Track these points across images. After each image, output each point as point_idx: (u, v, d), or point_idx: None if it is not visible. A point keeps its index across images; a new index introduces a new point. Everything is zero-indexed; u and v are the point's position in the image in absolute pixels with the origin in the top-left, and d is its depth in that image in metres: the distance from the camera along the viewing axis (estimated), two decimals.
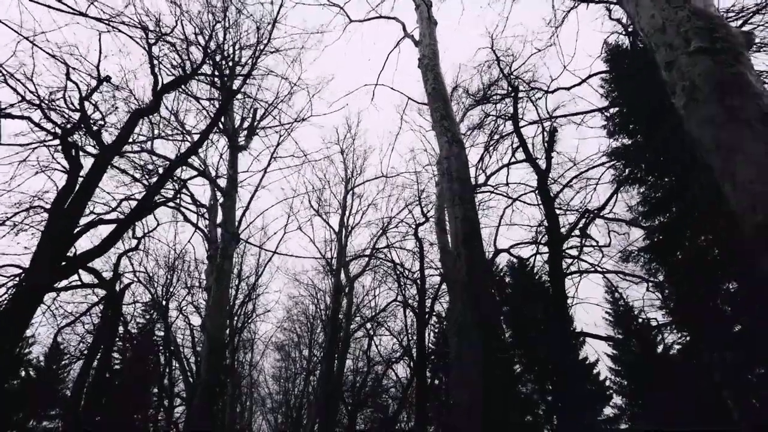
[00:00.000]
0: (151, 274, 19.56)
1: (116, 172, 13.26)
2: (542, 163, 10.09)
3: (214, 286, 11.10)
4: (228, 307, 17.77)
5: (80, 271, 9.87)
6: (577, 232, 10.52)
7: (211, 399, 11.41)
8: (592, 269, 10.52)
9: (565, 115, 9.21)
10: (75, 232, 6.04)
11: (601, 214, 10.70)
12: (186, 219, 15.31)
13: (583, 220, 10.50)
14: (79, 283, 9.11)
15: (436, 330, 22.36)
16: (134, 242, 13.18)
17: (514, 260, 24.73)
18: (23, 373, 20.31)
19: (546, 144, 10.40)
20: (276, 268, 35.33)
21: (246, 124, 15.37)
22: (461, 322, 5.49)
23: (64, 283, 8.75)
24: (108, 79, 9.91)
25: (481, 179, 14.40)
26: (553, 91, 7.12)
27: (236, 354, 23.21)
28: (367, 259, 21.53)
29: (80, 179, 6.97)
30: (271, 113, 13.09)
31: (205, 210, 15.96)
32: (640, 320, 22.19)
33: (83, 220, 8.42)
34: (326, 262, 22.29)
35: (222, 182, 13.85)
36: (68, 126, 8.39)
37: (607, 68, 14.13)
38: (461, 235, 5.63)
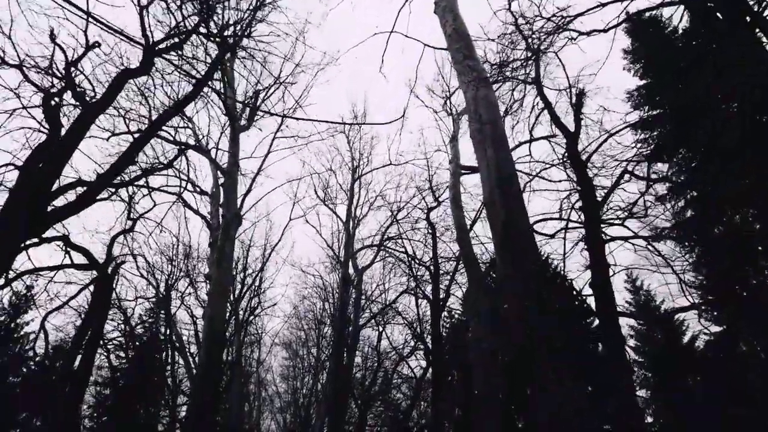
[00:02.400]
0: (151, 263, 18.96)
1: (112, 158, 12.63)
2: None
3: (216, 269, 10.38)
4: (230, 291, 17.06)
5: (70, 251, 9.19)
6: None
7: (213, 391, 10.65)
8: (633, 236, 9.63)
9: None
10: (52, 190, 5.33)
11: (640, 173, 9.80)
12: (186, 205, 14.67)
13: (626, 180, 9.63)
14: (69, 263, 8.40)
15: (447, 325, 21.51)
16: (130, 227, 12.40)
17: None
18: (24, 371, 19.72)
19: (574, 106, 9.58)
20: (283, 261, 34.41)
21: (250, 107, 14.68)
22: (495, 283, 4.70)
23: (50, 260, 7.99)
24: (98, 44, 9.24)
25: None
26: (588, 33, 6.27)
27: (242, 349, 22.52)
28: (375, 249, 20.78)
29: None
30: (279, 83, 12.30)
31: (208, 196, 15.31)
32: (664, 309, 21.27)
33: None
34: (333, 253, 21.57)
35: (223, 164, 13.16)
36: (52, 90, 7.71)
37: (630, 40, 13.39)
38: (495, 179, 4.84)
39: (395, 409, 23.15)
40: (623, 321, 19.10)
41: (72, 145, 5.88)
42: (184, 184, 15.06)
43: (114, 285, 9.80)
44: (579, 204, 9.19)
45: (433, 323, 14.31)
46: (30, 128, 7.45)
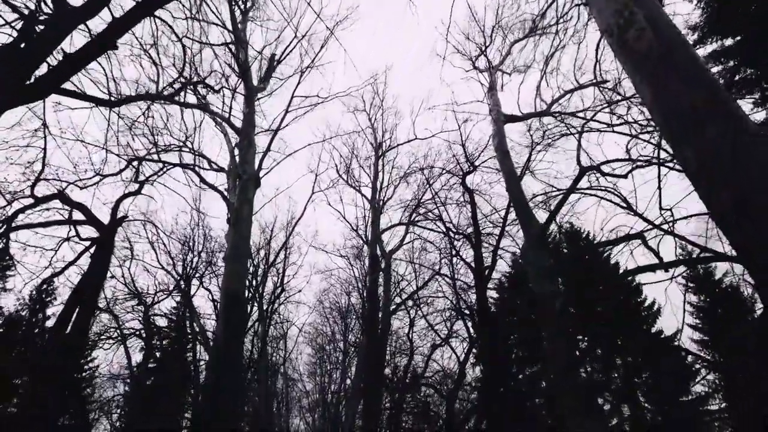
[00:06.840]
0: (167, 243, 18.15)
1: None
2: None
3: (232, 233, 9.23)
4: (250, 257, 15.93)
5: (74, 211, 8.17)
6: None
7: (231, 377, 9.28)
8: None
9: None
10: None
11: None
12: (202, 180, 13.65)
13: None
14: (64, 218, 7.36)
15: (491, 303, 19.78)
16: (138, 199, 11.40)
17: (568, 226, 22.08)
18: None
19: None
20: (308, 246, 33.11)
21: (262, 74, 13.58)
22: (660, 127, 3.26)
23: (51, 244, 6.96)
24: None
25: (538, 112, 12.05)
26: None
27: (266, 342, 21.46)
28: (404, 231, 19.45)
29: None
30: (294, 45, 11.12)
31: (224, 172, 14.31)
32: (727, 281, 19.34)
33: None
34: (359, 235, 20.32)
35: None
36: (40, 17, 6.67)
37: None
38: None
39: (425, 406, 21.74)
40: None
41: (43, 50, 4.77)
42: (198, 161, 14.19)
43: (113, 242, 8.72)
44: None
45: (478, 295, 12.86)
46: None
